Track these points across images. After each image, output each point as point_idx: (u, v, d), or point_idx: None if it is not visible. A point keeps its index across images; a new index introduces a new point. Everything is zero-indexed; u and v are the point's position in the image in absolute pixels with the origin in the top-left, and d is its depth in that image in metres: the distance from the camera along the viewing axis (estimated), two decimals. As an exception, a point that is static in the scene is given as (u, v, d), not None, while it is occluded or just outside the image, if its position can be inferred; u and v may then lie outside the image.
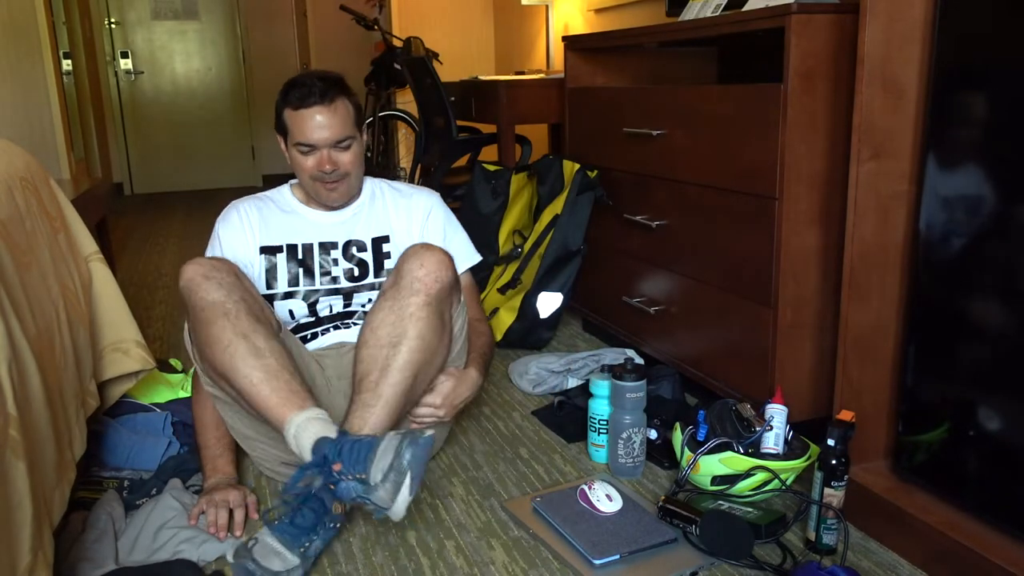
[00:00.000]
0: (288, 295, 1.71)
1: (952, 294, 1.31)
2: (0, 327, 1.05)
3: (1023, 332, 1.20)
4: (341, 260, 1.73)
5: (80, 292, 1.57)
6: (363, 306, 1.74)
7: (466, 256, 1.86)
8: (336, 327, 1.72)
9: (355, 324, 1.72)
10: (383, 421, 1.41)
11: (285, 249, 1.72)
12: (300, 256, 1.72)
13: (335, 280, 1.72)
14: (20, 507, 1.02)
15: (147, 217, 5.40)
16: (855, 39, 1.38)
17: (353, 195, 1.76)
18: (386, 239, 1.77)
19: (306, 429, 1.33)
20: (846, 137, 1.45)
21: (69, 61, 4.90)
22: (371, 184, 1.83)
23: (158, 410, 1.85)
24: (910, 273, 1.41)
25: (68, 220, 1.69)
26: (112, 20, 6.45)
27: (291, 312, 1.71)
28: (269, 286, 1.70)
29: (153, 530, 1.42)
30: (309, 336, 1.71)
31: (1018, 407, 1.22)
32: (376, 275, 1.75)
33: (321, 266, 1.72)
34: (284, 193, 1.79)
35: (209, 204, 5.77)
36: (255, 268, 1.70)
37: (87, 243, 1.72)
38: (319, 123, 1.60)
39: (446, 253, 1.54)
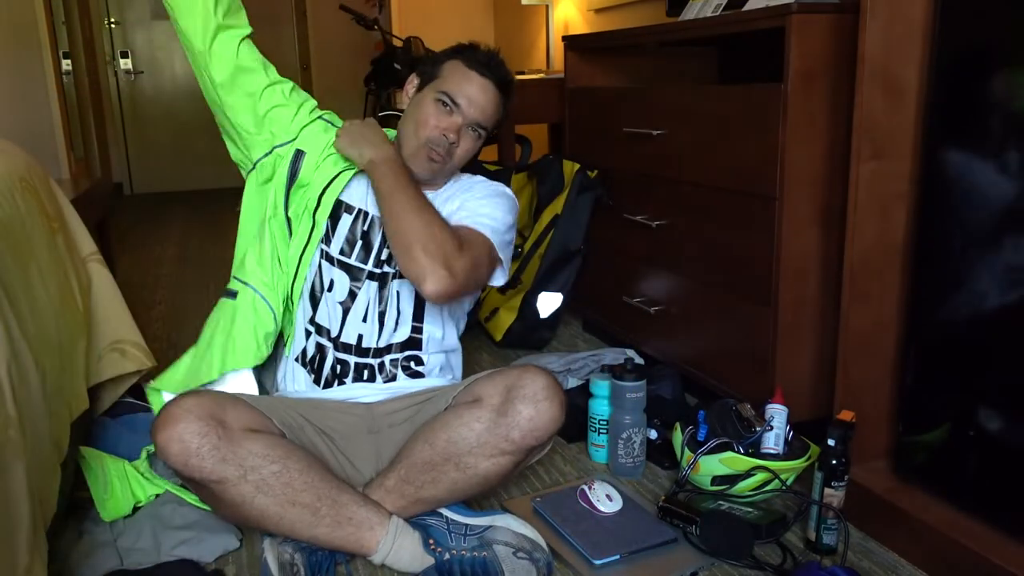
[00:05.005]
0: (333, 260, 1.53)
1: (952, 294, 1.31)
2: (0, 327, 1.05)
3: (1023, 332, 1.20)
4: None
5: (78, 293, 1.57)
6: (395, 325, 1.53)
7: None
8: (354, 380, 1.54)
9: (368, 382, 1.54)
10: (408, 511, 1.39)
11: (357, 214, 1.54)
12: (366, 227, 1.54)
13: (386, 263, 1.53)
14: (19, 508, 1.02)
15: (147, 217, 5.39)
16: (855, 39, 1.38)
17: (440, 179, 1.57)
18: None
19: (398, 555, 1.32)
20: (846, 137, 1.45)
21: (69, 61, 4.89)
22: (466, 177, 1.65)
23: (158, 410, 1.85)
24: (910, 273, 1.41)
25: (67, 220, 1.69)
26: (112, 20, 6.43)
27: (331, 283, 1.52)
28: (324, 239, 1.54)
29: (153, 530, 1.42)
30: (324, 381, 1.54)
31: (1018, 407, 1.22)
32: None
33: (380, 246, 1.53)
34: None
35: (209, 204, 5.76)
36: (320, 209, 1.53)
37: (86, 244, 1.72)
38: (478, 94, 1.48)
39: (563, 405, 1.36)
